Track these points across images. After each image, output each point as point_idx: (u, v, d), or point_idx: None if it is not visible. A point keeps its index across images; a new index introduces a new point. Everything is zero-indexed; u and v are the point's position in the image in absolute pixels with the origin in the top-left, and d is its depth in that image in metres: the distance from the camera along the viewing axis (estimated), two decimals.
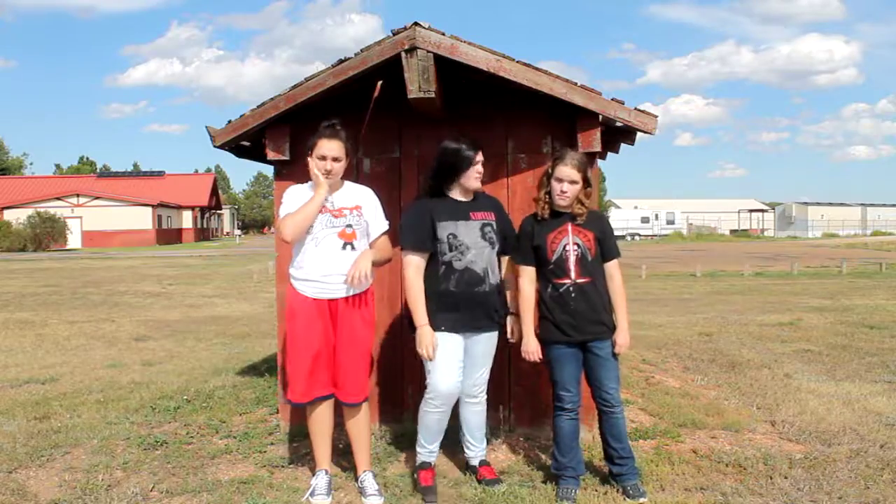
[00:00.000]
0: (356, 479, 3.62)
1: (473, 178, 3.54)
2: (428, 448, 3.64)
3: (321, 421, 3.57)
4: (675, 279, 16.97)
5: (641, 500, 3.41)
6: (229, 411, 4.99)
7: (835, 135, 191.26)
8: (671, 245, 39.43)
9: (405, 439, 4.16)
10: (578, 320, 3.42)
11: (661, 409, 4.96)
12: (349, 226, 3.48)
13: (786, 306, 11.22)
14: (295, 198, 3.51)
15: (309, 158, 3.46)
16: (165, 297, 13.72)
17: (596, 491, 3.52)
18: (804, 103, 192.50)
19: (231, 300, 13.13)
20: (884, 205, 65.61)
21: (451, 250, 3.46)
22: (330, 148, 3.43)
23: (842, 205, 62.94)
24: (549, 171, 3.51)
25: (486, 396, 3.72)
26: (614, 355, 3.50)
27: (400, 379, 4.39)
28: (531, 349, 3.52)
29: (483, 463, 3.74)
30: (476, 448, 3.75)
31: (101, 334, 9.13)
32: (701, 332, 8.68)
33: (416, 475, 3.66)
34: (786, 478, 3.68)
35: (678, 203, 60.90)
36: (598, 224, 3.51)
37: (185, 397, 5.44)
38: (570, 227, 3.46)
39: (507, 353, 4.37)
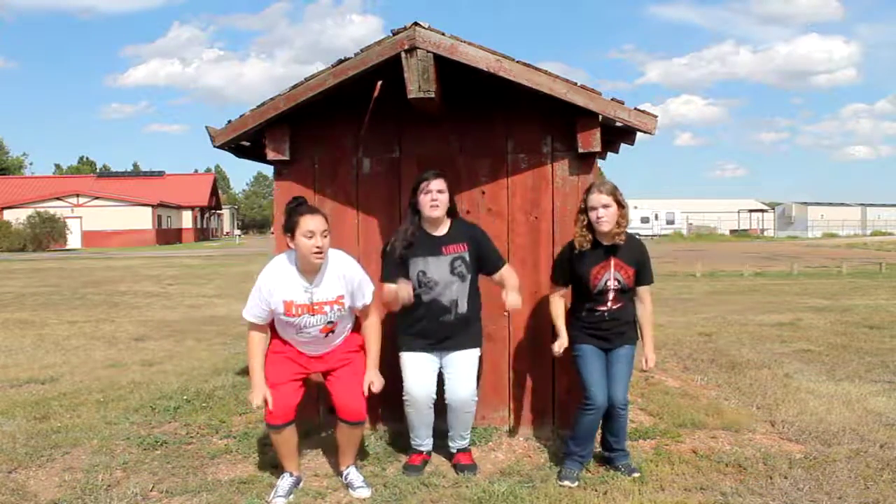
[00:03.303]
0: (340, 475, 3.66)
1: (428, 205, 3.65)
2: (417, 440, 3.87)
3: (286, 442, 3.53)
4: (675, 279, 16.96)
5: (635, 474, 3.67)
6: (229, 411, 4.99)
7: (834, 135, 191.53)
8: (671, 245, 39.40)
9: (405, 439, 4.16)
10: (608, 334, 3.71)
11: (661, 409, 4.96)
12: (329, 322, 3.45)
13: (786, 306, 11.22)
14: (269, 283, 3.39)
15: (290, 242, 3.32)
16: (165, 297, 13.72)
17: (595, 490, 3.52)
18: (803, 103, 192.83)
19: (231, 300, 13.12)
20: (883, 205, 65.57)
21: (420, 286, 3.66)
22: (315, 223, 3.27)
23: (841, 205, 62.91)
24: (582, 206, 3.69)
25: (473, 407, 3.83)
26: (631, 357, 3.72)
27: (400, 379, 4.38)
28: (558, 348, 3.78)
29: (461, 450, 3.89)
30: (456, 442, 3.91)
31: (101, 334, 9.12)
32: (701, 332, 8.68)
33: (408, 456, 3.93)
34: (786, 478, 3.68)
35: (678, 203, 60.84)
36: (637, 257, 3.72)
37: (185, 397, 5.44)
38: (612, 262, 3.66)
39: (507, 355, 4.38)
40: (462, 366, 3.74)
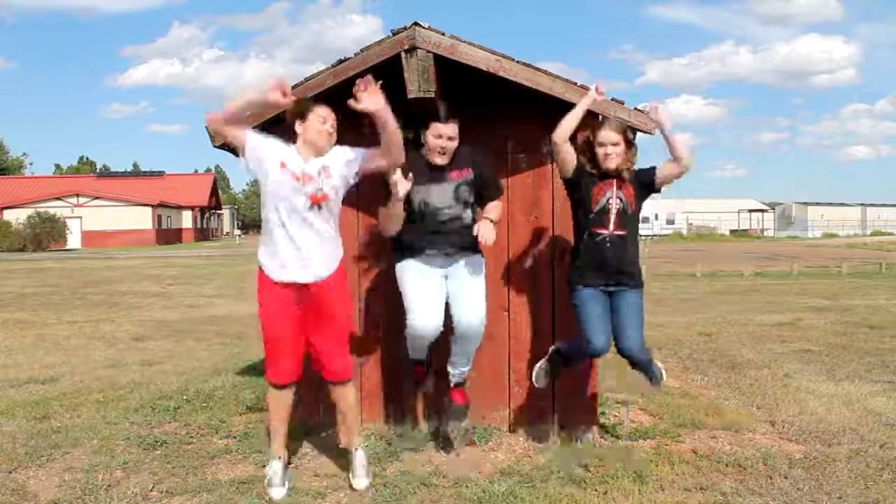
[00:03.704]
0: (350, 455, 3.65)
1: (436, 151, 3.60)
2: (418, 356, 3.85)
3: (286, 405, 3.56)
4: (675, 279, 16.97)
5: (661, 381, 3.82)
6: (229, 411, 4.99)
7: (834, 135, 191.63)
8: (671, 245, 39.42)
9: (405, 439, 4.17)
10: (607, 268, 3.64)
11: (661, 409, 4.96)
12: (319, 189, 3.37)
13: (786, 306, 11.22)
14: (272, 140, 3.37)
15: (299, 124, 3.34)
16: (165, 297, 13.72)
17: (595, 490, 3.52)
18: (803, 103, 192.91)
19: (231, 300, 13.13)
20: (884, 205, 65.59)
21: (421, 215, 3.62)
22: (327, 112, 3.40)
23: (842, 205, 62.93)
24: (590, 137, 3.64)
25: (482, 333, 3.72)
26: (640, 306, 3.70)
27: (400, 379, 4.39)
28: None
29: (458, 385, 3.87)
30: (456, 369, 3.86)
31: (101, 334, 9.12)
32: (701, 332, 8.68)
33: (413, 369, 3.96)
34: (786, 478, 3.68)
35: (678, 203, 60.80)
36: (637, 175, 3.69)
37: (185, 397, 5.43)
38: (615, 182, 3.66)
39: (507, 355, 4.38)
40: (470, 282, 3.64)
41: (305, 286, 3.39)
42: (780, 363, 6.64)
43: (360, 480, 3.55)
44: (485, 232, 3.55)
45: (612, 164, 3.60)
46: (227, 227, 69.99)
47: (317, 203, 3.34)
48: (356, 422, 3.69)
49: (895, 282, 15.44)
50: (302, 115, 3.35)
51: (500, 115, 4.35)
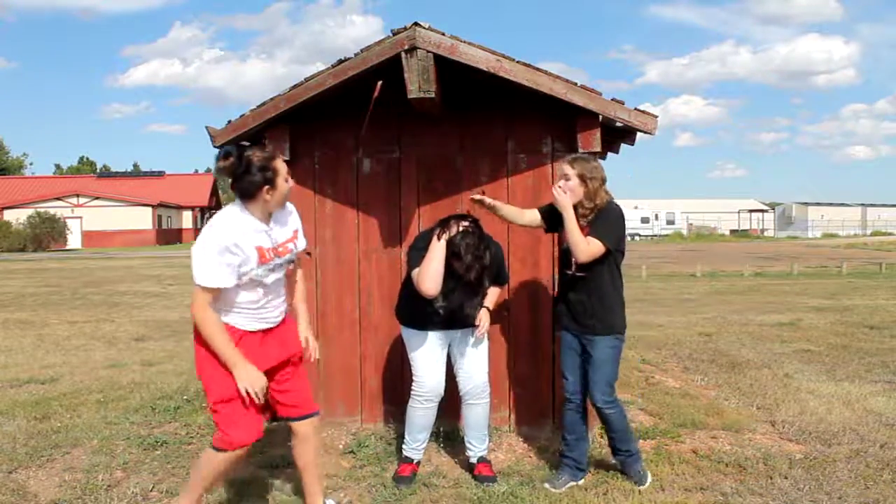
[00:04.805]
0: None
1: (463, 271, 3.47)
2: (412, 445, 3.74)
3: (237, 466, 3.12)
4: (675, 279, 16.96)
5: (643, 485, 3.57)
6: None
7: (834, 135, 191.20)
8: (671, 245, 39.40)
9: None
10: (572, 311, 3.57)
11: (661, 409, 4.96)
12: (290, 261, 3.09)
13: (786, 306, 11.22)
14: (232, 236, 2.87)
15: (269, 194, 2.88)
16: (165, 297, 13.71)
17: (595, 490, 3.52)
18: (803, 103, 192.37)
19: None
20: (884, 205, 65.55)
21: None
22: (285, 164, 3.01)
23: (842, 205, 62.88)
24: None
25: (488, 399, 3.77)
26: (605, 355, 3.49)
27: (400, 380, 4.39)
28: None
29: (481, 460, 3.78)
30: (475, 447, 3.79)
31: (101, 334, 9.12)
32: (701, 332, 8.68)
33: (397, 466, 3.78)
34: (786, 478, 3.68)
35: (678, 203, 60.78)
36: (595, 223, 3.45)
37: (185, 397, 5.44)
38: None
39: (507, 355, 4.38)
40: (475, 347, 3.68)
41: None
42: (780, 363, 6.64)
43: None
44: (484, 322, 3.63)
45: (558, 195, 3.44)
46: None
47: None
48: (322, 478, 3.35)
49: (895, 282, 15.44)
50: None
51: (500, 115, 4.36)
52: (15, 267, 24.19)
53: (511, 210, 3.76)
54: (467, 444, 3.81)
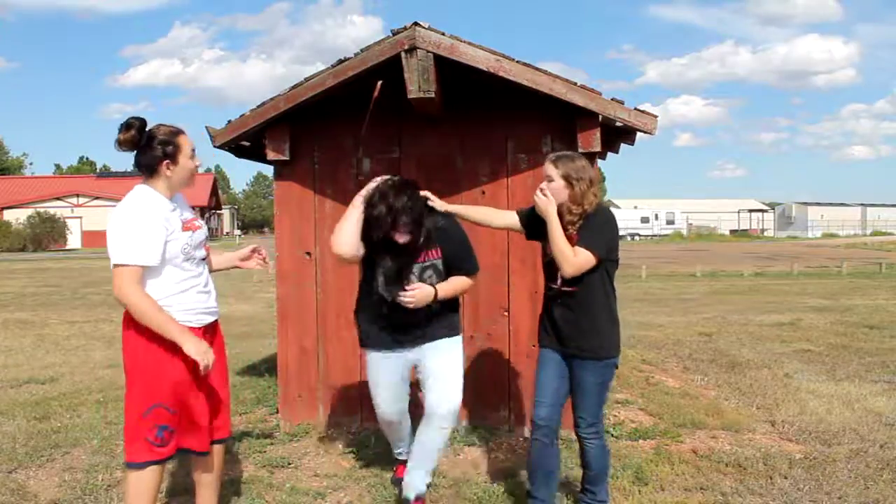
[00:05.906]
0: None
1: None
2: (399, 449, 3.58)
3: (159, 483, 2.88)
4: (675, 279, 16.97)
5: None
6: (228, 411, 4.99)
7: (834, 135, 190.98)
8: (671, 245, 39.41)
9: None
10: (559, 329, 3.09)
11: (661, 409, 4.96)
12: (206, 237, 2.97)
13: (786, 306, 11.22)
14: (155, 211, 2.72)
15: (169, 169, 2.77)
16: None
17: None
18: (803, 103, 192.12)
19: (231, 300, 13.10)
20: (883, 205, 65.56)
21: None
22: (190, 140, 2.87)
23: (841, 205, 62.89)
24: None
25: (452, 423, 3.29)
26: (596, 380, 3.05)
27: None
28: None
29: (419, 497, 3.25)
30: (413, 476, 3.28)
31: (101, 334, 9.13)
32: (701, 332, 8.68)
33: (394, 468, 3.66)
34: (786, 478, 3.68)
35: (678, 203, 60.83)
36: (583, 229, 2.99)
37: None
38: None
39: (507, 355, 4.38)
40: (442, 365, 3.20)
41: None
42: (780, 363, 6.65)
43: None
44: (418, 293, 3.09)
45: (538, 199, 3.02)
46: (227, 227, 69.94)
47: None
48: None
49: (895, 282, 15.44)
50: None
51: (500, 115, 4.36)
52: (15, 267, 24.19)
53: (482, 212, 3.44)
54: (409, 470, 3.29)
